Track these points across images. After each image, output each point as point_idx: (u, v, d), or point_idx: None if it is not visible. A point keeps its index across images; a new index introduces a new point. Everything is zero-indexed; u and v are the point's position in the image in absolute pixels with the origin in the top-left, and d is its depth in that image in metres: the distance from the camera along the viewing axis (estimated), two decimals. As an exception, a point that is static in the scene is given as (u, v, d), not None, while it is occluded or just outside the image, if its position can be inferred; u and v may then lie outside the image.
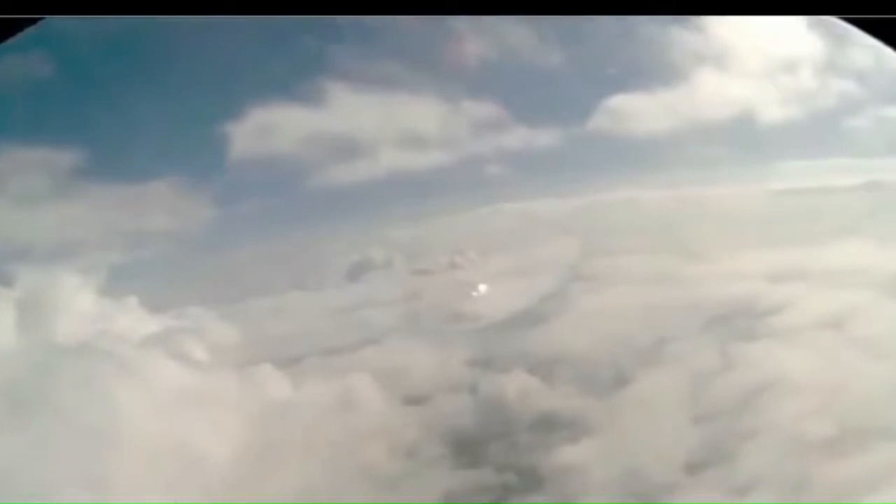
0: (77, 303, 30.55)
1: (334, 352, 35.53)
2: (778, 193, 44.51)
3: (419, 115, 40.24)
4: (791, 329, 30.13)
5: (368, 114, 39.57)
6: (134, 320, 30.68)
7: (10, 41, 6.01)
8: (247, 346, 33.75)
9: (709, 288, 35.52)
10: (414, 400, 32.49)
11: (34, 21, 6.00)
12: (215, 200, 42.98)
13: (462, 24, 37.56)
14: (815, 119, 44.34)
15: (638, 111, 43.29)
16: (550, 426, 30.31)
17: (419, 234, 47.79)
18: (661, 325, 32.55)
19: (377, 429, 28.65)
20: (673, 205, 46.07)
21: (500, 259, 43.87)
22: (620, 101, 44.10)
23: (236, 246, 45.02)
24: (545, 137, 46.99)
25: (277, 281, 43.68)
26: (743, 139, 43.33)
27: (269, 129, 39.54)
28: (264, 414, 25.90)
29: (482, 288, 40.18)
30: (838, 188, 43.21)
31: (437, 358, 35.55)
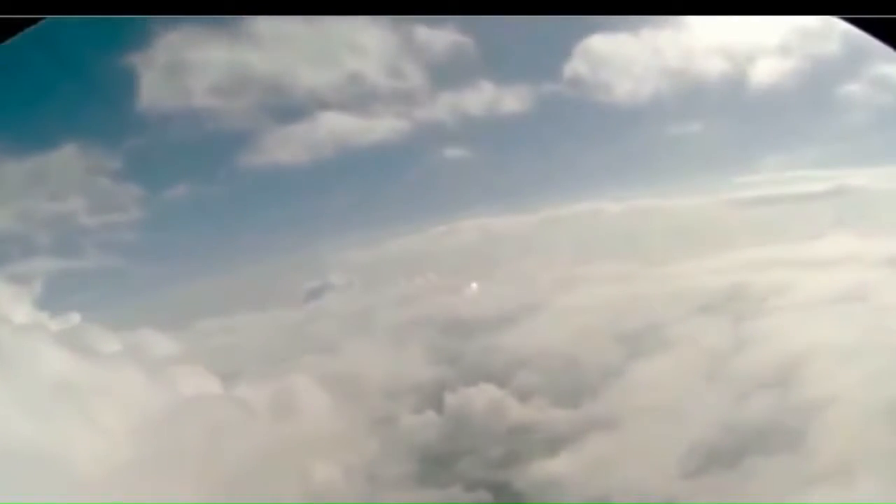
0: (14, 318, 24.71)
1: (281, 360, 29.58)
2: (747, 202, 42.60)
3: (363, 50, 32.78)
4: (802, 304, 25.14)
5: (300, 49, 32.19)
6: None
7: (10, 41, 5.42)
8: (184, 354, 27.84)
9: (688, 282, 31.43)
10: (373, 410, 26.84)
11: (34, 21, 5.37)
12: (139, 181, 35.49)
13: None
14: (810, 78, 39.17)
15: (620, 57, 37.45)
16: (526, 435, 25.12)
17: (378, 256, 44.72)
18: (648, 315, 27.32)
19: (324, 437, 22.42)
20: (637, 214, 43.28)
21: (460, 276, 39.19)
22: (601, 43, 38.16)
23: (177, 256, 39.11)
24: (513, 100, 39.36)
25: (232, 306, 39.14)
26: (728, 107, 39.08)
27: (184, 66, 31.65)
28: (178, 415, 19.31)
29: (474, 286, 34.99)
30: (808, 194, 41.51)
31: (399, 366, 30.10)
